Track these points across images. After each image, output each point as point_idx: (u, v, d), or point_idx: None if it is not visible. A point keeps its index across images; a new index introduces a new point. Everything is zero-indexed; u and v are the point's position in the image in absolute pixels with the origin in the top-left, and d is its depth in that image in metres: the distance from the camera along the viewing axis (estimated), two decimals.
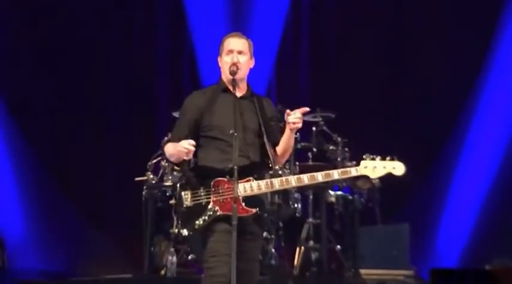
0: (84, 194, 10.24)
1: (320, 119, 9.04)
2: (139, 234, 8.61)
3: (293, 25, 10.97)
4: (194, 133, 5.42)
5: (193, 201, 5.22)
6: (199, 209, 5.20)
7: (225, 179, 5.18)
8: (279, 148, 5.49)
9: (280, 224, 8.70)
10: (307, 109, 5.38)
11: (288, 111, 5.32)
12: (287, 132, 5.39)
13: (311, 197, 8.84)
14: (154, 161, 8.68)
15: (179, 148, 5.22)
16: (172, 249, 8.35)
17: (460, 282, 6.22)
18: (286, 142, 5.46)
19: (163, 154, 5.66)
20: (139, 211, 8.60)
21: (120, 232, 9.92)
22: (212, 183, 5.22)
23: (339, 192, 8.94)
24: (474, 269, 7.40)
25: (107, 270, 9.00)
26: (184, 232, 5.23)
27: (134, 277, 8.49)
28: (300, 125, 5.32)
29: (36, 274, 9.00)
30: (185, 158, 5.23)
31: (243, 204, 5.25)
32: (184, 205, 5.23)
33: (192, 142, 5.22)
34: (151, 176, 8.65)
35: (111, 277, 8.60)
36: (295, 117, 5.30)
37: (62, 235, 10.04)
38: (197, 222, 5.18)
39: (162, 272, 8.40)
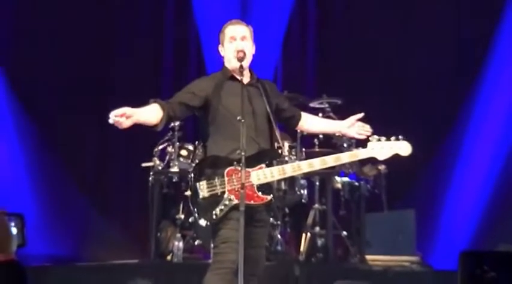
0: (91, 179, 10.27)
1: (326, 105, 9.03)
2: (145, 220, 8.63)
3: (300, 10, 10.95)
4: (189, 109, 5.42)
5: (209, 191, 5.22)
6: (215, 199, 5.20)
7: (238, 168, 5.14)
8: (311, 127, 5.78)
9: (286, 210, 8.72)
10: (360, 115, 5.61)
11: (359, 123, 5.61)
12: (338, 129, 5.70)
13: (317, 183, 8.85)
14: (161, 147, 8.69)
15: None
16: (178, 235, 8.38)
17: (491, 265, 6.15)
18: (322, 130, 5.90)
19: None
20: (145, 197, 8.62)
21: (126, 218, 9.96)
22: (225, 172, 5.22)
23: (345, 178, 8.92)
24: (506, 252, 7.26)
25: (114, 255, 9.04)
26: (202, 222, 5.23)
27: (141, 263, 8.51)
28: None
29: (43, 259, 9.02)
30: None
31: (259, 192, 5.27)
32: (201, 196, 5.22)
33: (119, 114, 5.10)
34: (158, 162, 8.66)
35: (118, 262, 8.63)
36: (366, 130, 5.58)
37: (69, 220, 10.07)
38: (214, 212, 5.19)
39: (169, 257, 8.43)
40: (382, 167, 9.01)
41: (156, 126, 5.36)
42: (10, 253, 2.77)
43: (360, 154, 5.53)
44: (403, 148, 5.47)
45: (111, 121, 5.11)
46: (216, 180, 5.23)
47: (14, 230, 2.83)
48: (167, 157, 8.67)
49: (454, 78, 10.29)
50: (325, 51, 10.79)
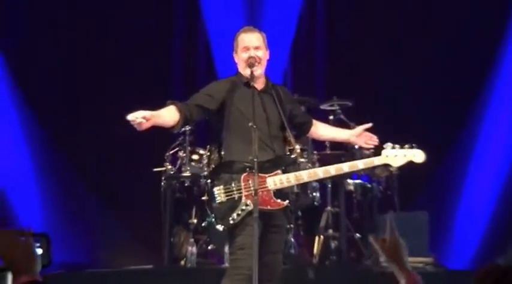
0: (103, 185, 10.25)
1: (337, 108, 9.00)
2: (158, 225, 8.63)
3: (308, 13, 10.94)
4: (205, 112, 5.44)
5: (227, 196, 5.24)
6: (232, 204, 5.22)
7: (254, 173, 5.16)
8: (322, 135, 5.94)
9: (299, 213, 8.70)
10: (369, 125, 5.70)
11: (367, 133, 5.71)
12: (347, 137, 5.82)
13: (329, 186, 8.83)
14: (172, 151, 8.69)
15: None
16: (191, 239, 8.38)
17: None
18: (332, 138, 6.12)
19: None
20: (158, 202, 8.62)
21: (139, 223, 9.93)
22: (242, 178, 5.23)
23: (357, 180, 8.91)
24: None
25: (127, 261, 9.05)
26: (219, 227, 5.26)
27: (154, 268, 8.52)
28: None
29: (56, 267, 9.02)
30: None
31: (275, 198, 5.29)
32: (218, 201, 5.24)
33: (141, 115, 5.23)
34: (170, 167, 8.66)
35: (132, 268, 8.63)
36: (374, 141, 5.72)
37: (82, 227, 10.06)
38: (231, 217, 5.21)
39: (182, 262, 8.43)
40: (393, 168, 8.98)
41: (173, 127, 5.41)
42: (35, 273, 2.77)
43: (375, 161, 5.58)
44: (417, 155, 5.53)
45: (130, 120, 5.10)
46: (233, 185, 5.25)
47: (39, 251, 2.83)
48: (179, 162, 8.66)
49: (465, 81, 10.24)
50: (335, 53, 10.76)
